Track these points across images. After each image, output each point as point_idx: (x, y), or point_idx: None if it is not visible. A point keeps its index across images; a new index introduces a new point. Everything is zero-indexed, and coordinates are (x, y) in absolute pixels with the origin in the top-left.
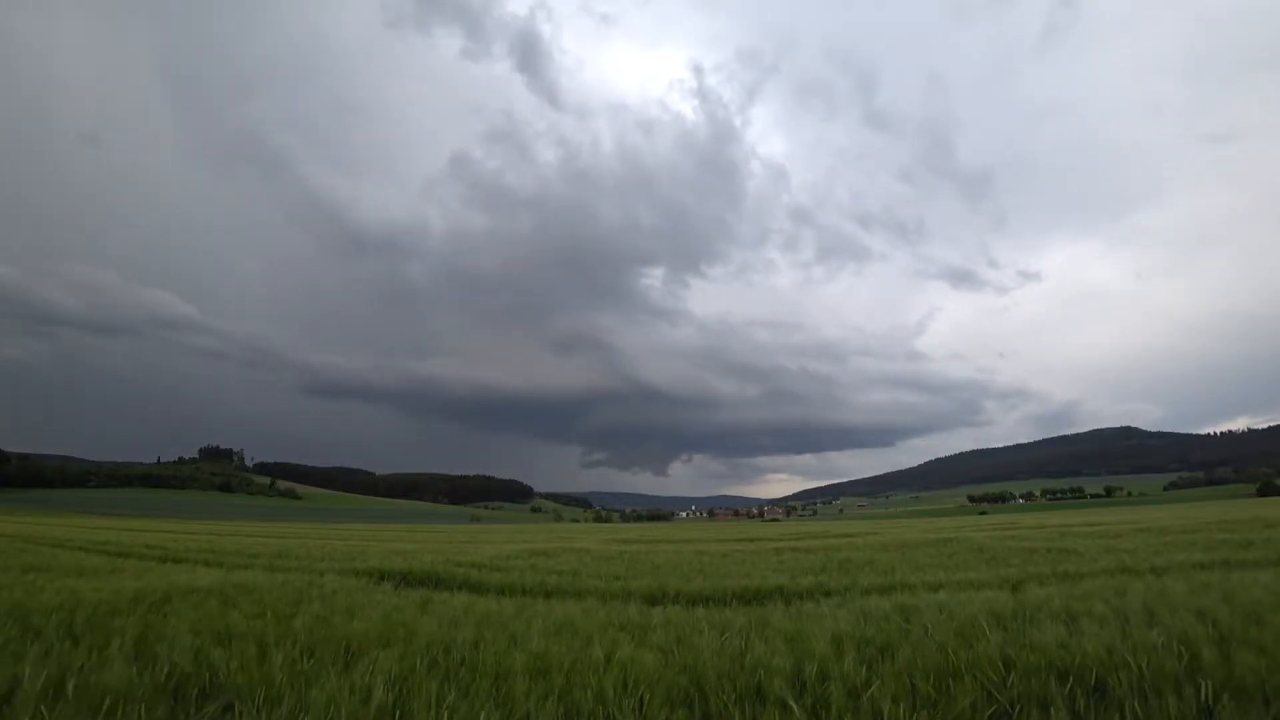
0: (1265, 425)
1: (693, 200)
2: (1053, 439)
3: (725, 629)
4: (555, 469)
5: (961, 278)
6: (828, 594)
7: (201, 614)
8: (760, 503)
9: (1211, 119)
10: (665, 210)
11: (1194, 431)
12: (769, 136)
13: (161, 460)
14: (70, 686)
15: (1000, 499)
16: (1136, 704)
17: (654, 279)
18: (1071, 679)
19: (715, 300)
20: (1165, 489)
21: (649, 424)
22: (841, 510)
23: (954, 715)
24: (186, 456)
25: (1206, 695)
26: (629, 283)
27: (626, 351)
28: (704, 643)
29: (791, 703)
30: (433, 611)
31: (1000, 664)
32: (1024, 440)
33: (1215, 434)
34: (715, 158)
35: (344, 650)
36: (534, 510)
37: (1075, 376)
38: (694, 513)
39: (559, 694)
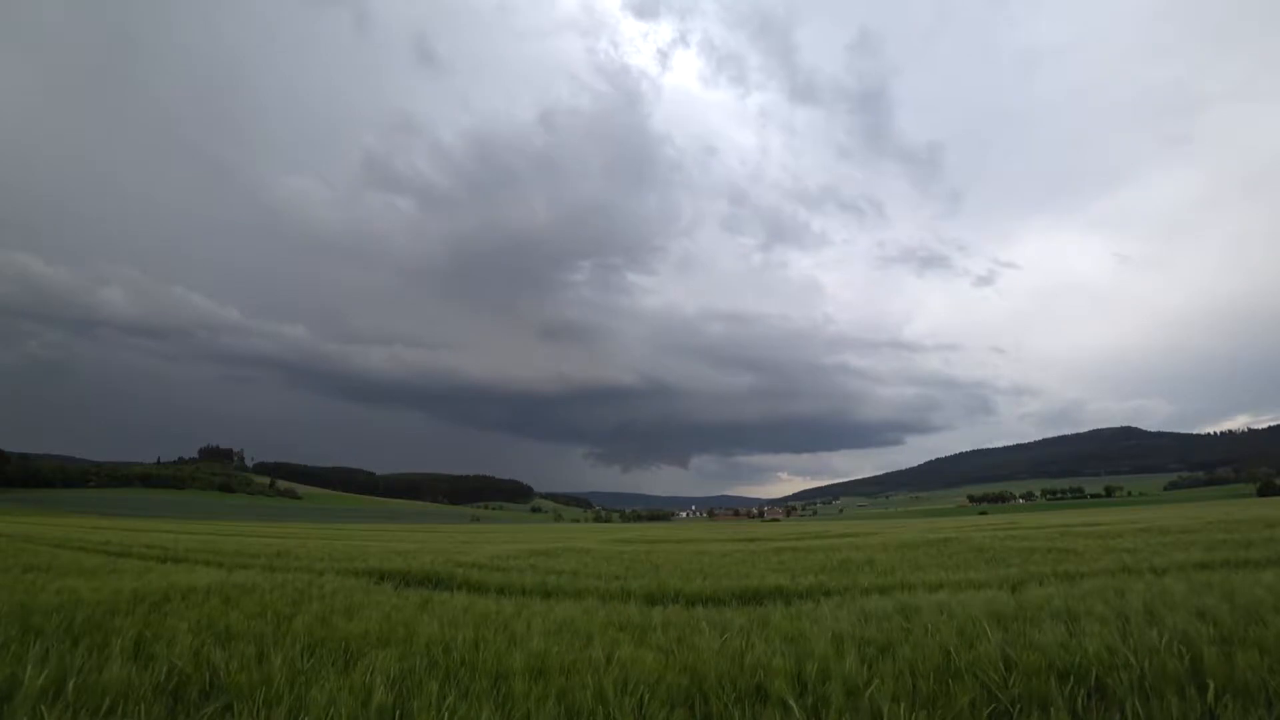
0: (1265, 425)
1: (627, 192)
2: (1053, 439)
3: (725, 629)
4: (556, 469)
5: (933, 264)
6: (828, 594)
7: (201, 614)
8: (760, 503)
9: (1195, 84)
10: (608, 202)
11: (1194, 431)
12: (687, 114)
13: (161, 460)
14: (70, 686)
15: (1000, 499)
16: (1137, 704)
17: (626, 274)
18: (1072, 679)
19: (690, 295)
20: (1165, 489)
21: (643, 423)
22: (841, 510)
23: (954, 715)
24: (186, 456)
25: (1209, 696)
26: (601, 278)
27: (607, 350)
28: (704, 643)
29: (792, 703)
30: (433, 611)
31: (1000, 664)
32: (1024, 440)
33: (1215, 434)
34: (638, 142)
35: (344, 650)
36: (534, 510)
37: (1074, 374)
38: (694, 513)
39: (559, 694)
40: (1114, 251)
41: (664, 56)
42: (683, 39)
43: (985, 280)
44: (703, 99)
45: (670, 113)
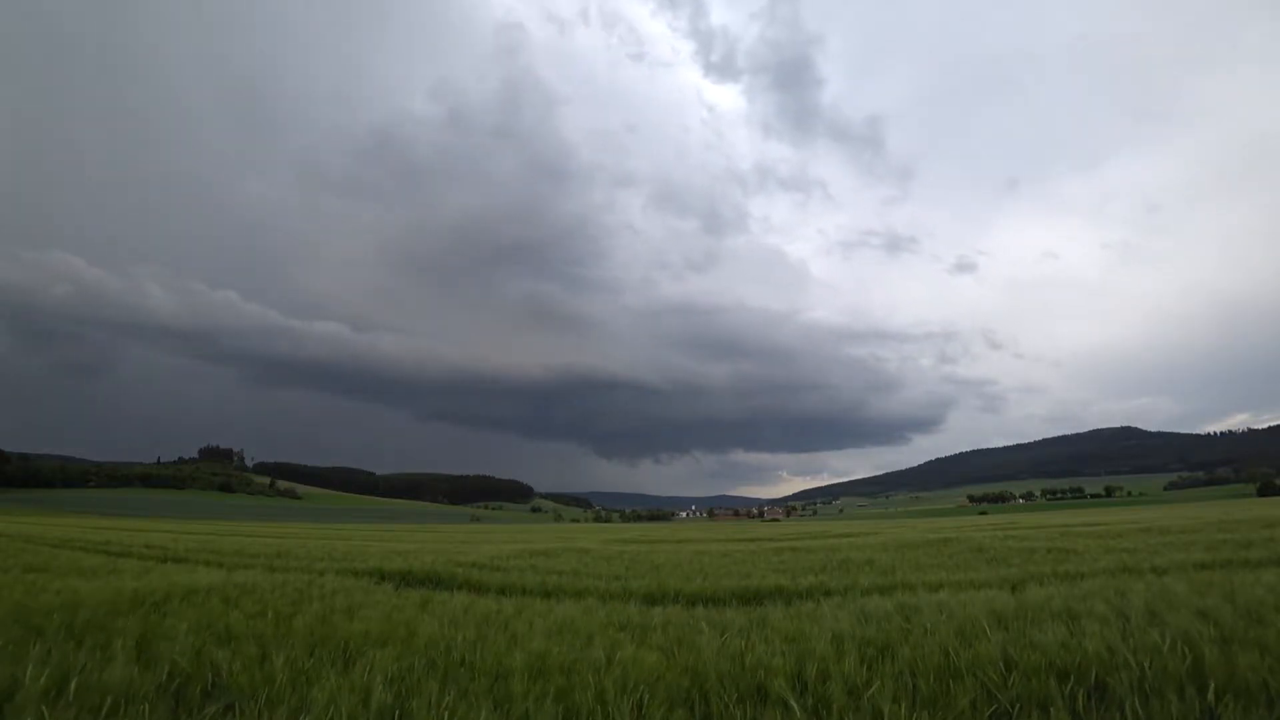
0: (1265, 425)
1: (555, 186)
2: (1053, 439)
3: (725, 629)
4: (555, 469)
5: (901, 251)
6: (828, 594)
7: (202, 614)
8: (760, 503)
9: (1194, 47)
10: (537, 197)
11: (1194, 431)
12: (602, 93)
13: (161, 460)
14: (72, 687)
15: (1000, 499)
16: (1138, 704)
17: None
18: (1072, 679)
19: (650, 286)
20: (1165, 489)
21: (634, 421)
22: (841, 510)
23: (954, 715)
24: (186, 456)
25: (1209, 695)
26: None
27: (591, 344)
28: (704, 643)
29: (792, 703)
30: (433, 611)
31: (1001, 664)
32: (1024, 440)
33: (1215, 433)
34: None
35: (344, 650)
36: (534, 510)
37: (1073, 373)
38: (694, 513)
39: (559, 694)
40: (1102, 242)
41: (563, 26)
42: (584, 15)
43: (963, 268)
44: (615, 76)
45: (582, 92)
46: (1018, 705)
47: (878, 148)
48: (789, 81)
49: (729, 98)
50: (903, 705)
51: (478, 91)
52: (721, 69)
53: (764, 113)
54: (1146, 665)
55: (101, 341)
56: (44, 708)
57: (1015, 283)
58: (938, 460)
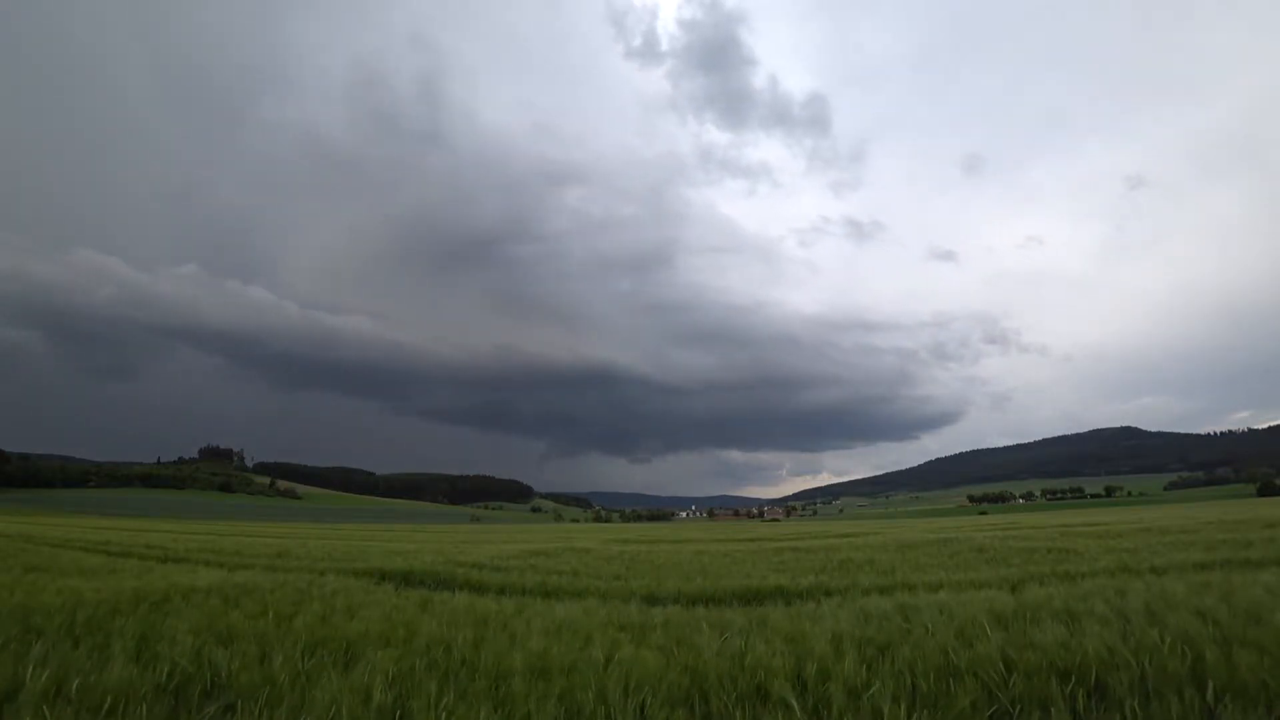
0: (1265, 425)
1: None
2: (1053, 439)
3: (726, 629)
4: (555, 469)
5: (863, 238)
6: (828, 594)
7: (202, 614)
8: (760, 503)
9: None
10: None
11: (1194, 431)
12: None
13: (161, 460)
14: (74, 686)
15: (1000, 499)
16: (1137, 704)
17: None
18: (1072, 679)
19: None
20: (1165, 489)
21: (628, 416)
22: (841, 510)
23: (954, 715)
24: (186, 456)
25: (1209, 696)
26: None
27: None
28: (704, 643)
29: (792, 703)
30: (433, 611)
31: (1001, 664)
32: (1024, 440)
33: (1215, 434)
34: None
35: (345, 650)
36: (534, 510)
37: (1073, 371)
38: (694, 513)
39: (559, 694)
40: (1091, 234)
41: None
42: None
43: (940, 257)
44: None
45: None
46: (1018, 705)
47: (824, 128)
48: (715, 63)
49: (654, 82)
50: (903, 705)
51: (404, 89)
52: (644, 54)
53: (692, 96)
54: (1146, 665)
55: (100, 338)
56: (45, 707)
57: (1003, 275)
58: (938, 460)
